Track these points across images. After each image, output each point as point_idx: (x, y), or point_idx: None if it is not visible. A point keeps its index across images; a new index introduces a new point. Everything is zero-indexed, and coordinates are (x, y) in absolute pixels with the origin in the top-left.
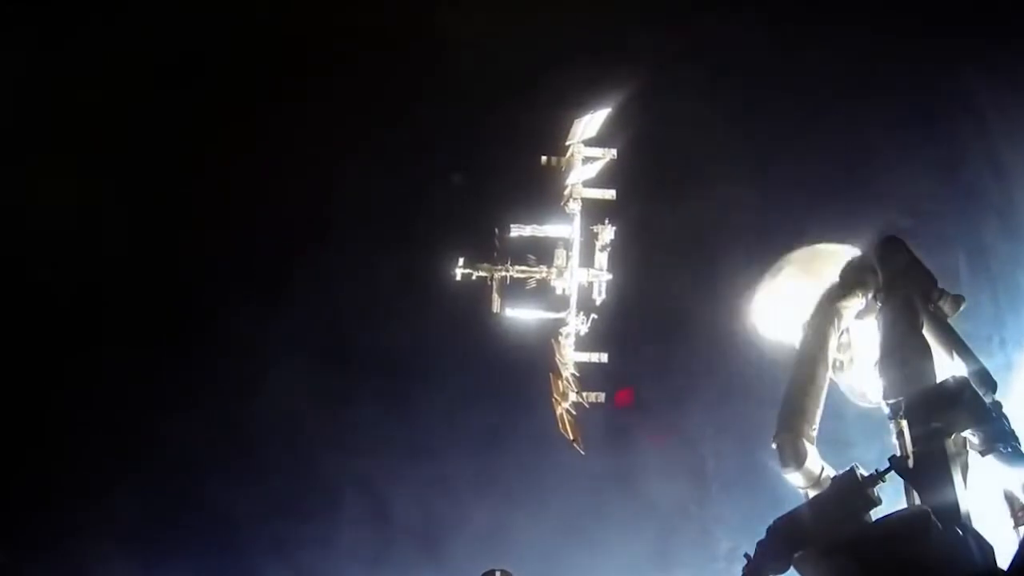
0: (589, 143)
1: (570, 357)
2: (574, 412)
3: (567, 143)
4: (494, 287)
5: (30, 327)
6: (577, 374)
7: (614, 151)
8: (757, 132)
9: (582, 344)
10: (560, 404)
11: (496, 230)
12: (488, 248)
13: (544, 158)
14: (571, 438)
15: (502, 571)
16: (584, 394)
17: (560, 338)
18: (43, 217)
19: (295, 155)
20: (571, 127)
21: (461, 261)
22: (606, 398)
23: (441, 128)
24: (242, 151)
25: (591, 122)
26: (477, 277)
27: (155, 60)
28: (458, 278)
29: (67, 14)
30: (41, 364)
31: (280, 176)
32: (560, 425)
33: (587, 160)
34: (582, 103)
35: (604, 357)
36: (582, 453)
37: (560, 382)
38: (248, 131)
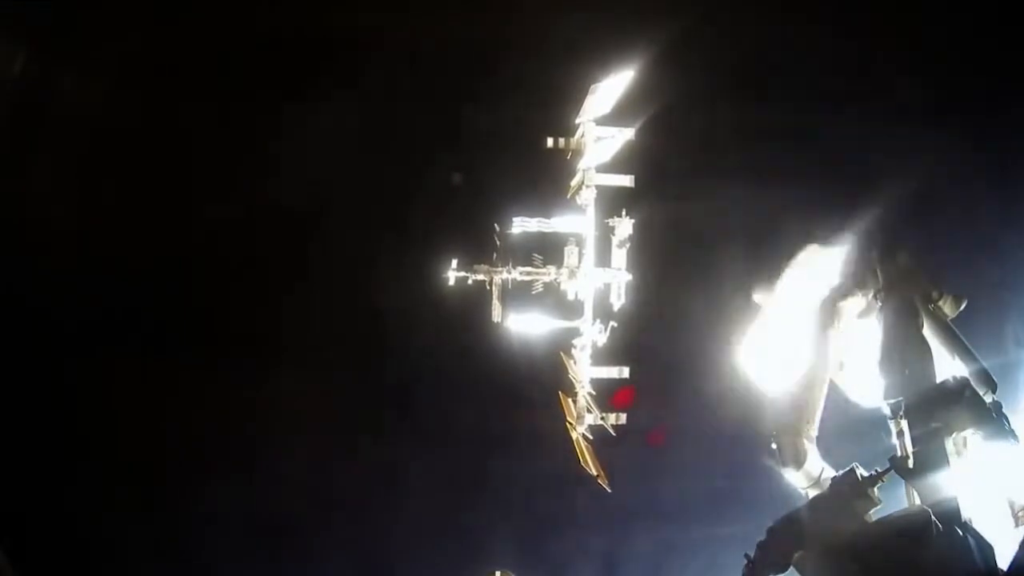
0: (604, 121)
1: (585, 373)
2: (591, 437)
3: (577, 121)
4: (494, 292)
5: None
6: (593, 392)
7: (631, 131)
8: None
9: (599, 357)
10: (574, 428)
11: (495, 225)
12: (487, 246)
13: (550, 140)
14: (594, 472)
15: (502, 571)
16: (604, 415)
17: (573, 351)
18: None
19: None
20: (582, 100)
21: (455, 263)
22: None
23: (430, 108)
24: (233, 149)
25: (607, 93)
26: (474, 281)
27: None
28: (452, 282)
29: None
30: None
31: (275, 173)
32: (579, 456)
33: (600, 140)
34: (594, 68)
35: (625, 371)
36: (608, 490)
37: (571, 402)
38: (238, 129)
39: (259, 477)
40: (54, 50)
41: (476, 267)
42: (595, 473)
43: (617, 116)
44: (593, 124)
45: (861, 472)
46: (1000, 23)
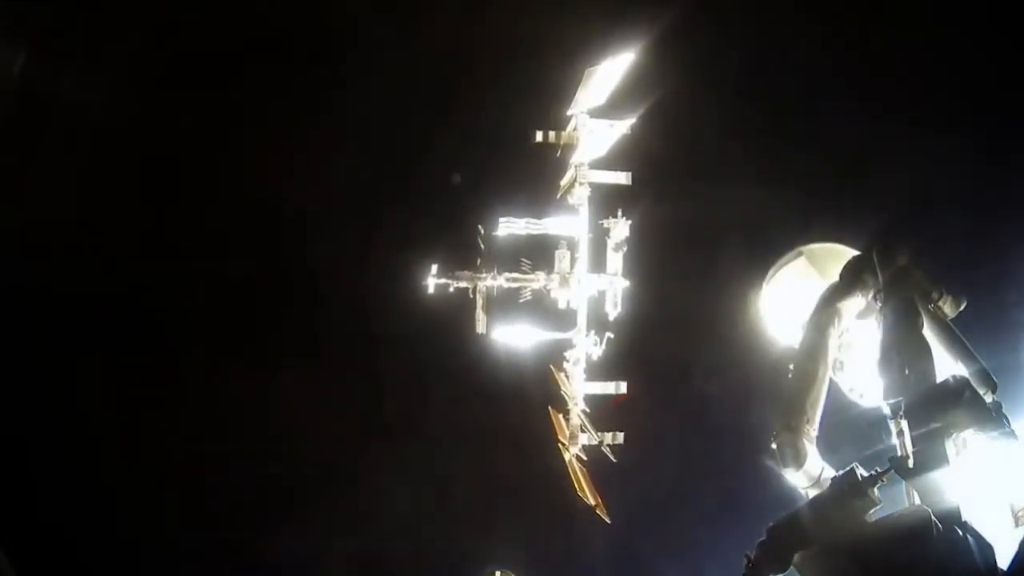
0: (599, 113)
1: (579, 389)
2: (585, 458)
3: (569, 112)
4: (478, 301)
5: None
6: (587, 410)
7: (629, 123)
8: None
9: (593, 371)
10: (567, 450)
11: (479, 227)
12: (470, 250)
13: (540, 133)
14: (592, 502)
15: (502, 571)
16: (601, 436)
17: (565, 364)
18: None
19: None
20: (575, 89)
21: (435, 268)
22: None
23: (412, 102)
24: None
25: (603, 80)
26: (456, 289)
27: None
28: (431, 290)
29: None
30: None
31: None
32: (574, 483)
33: (595, 134)
34: (589, 54)
35: (623, 387)
36: (607, 521)
37: (563, 420)
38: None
39: (255, 477)
40: (54, 50)
41: (458, 273)
42: (592, 502)
43: (613, 107)
44: (587, 116)
45: (861, 472)
46: (1000, 21)
